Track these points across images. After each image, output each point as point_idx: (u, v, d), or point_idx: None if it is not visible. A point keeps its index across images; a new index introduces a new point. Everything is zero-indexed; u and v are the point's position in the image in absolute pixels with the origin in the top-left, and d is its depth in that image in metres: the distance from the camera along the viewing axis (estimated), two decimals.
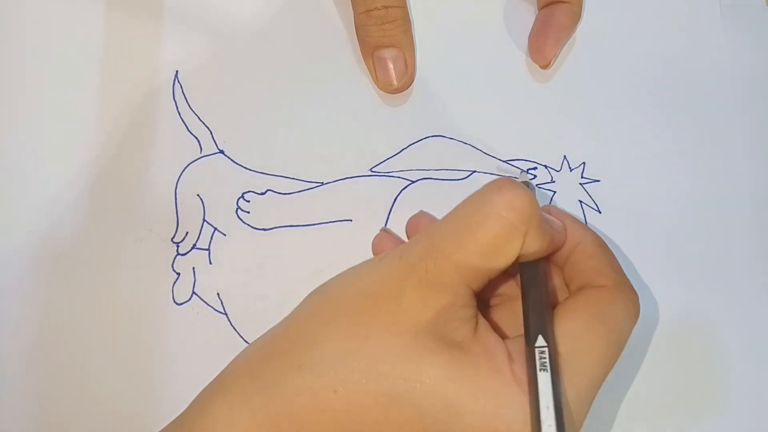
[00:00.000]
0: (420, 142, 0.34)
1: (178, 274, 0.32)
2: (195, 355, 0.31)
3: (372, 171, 0.34)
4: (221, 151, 0.34)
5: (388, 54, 0.34)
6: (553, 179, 0.34)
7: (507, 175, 0.34)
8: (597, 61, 0.36)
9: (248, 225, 0.33)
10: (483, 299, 0.29)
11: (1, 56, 0.34)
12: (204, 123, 0.34)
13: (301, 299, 0.27)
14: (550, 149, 0.34)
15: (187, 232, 0.33)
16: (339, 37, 0.35)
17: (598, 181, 0.34)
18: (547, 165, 0.34)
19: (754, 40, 0.37)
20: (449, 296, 0.24)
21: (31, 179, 0.33)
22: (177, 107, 0.34)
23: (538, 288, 0.25)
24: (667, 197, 0.34)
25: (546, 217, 0.26)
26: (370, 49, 0.34)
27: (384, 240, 0.32)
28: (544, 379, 0.22)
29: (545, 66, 0.35)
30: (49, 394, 0.31)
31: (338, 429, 0.24)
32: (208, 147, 0.34)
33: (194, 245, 0.33)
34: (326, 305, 0.26)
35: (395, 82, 0.34)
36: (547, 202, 0.34)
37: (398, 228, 0.33)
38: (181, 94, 0.34)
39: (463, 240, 0.24)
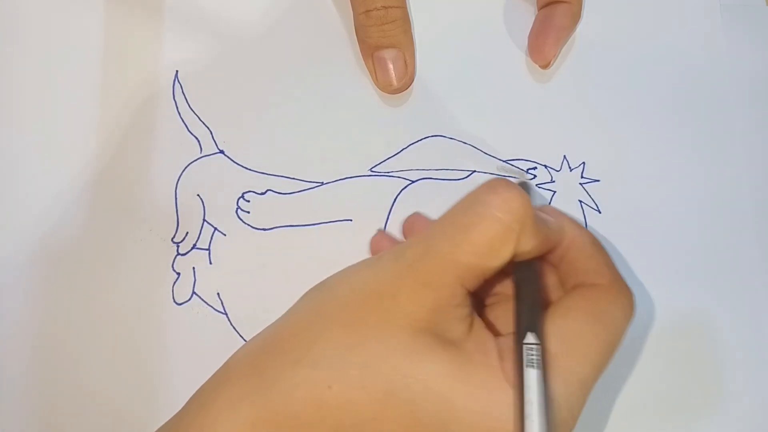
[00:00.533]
0: (420, 142, 0.34)
1: (179, 274, 0.32)
2: (195, 355, 0.31)
3: (372, 171, 0.34)
4: (221, 151, 0.34)
5: (388, 54, 0.34)
6: (553, 179, 0.34)
7: (507, 175, 0.34)
8: (597, 61, 0.36)
9: (248, 225, 0.33)
10: (479, 298, 0.29)
11: (1, 56, 0.34)
12: (204, 123, 0.34)
13: None
14: (549, 149, 0.34)
15: (187, 232, 0.33)
16: (339, 37, 0.35)
17: (598, 181, 0.34)
18: (547, 165, 0.34)
19: (754, 40, 0.37)
20: (445, 295, 0.24)
21: (31, 179, 0.33)
22: (177, 107, 0.34)
23: (530, 286, 0.26)
24: (667, 197, 0.34)
25: (541, 217, 0.26)
26: (369, 49, 0.34)
27: (381, 240, 0.32)
28: (529, 375, 0.23)
29: (545, 66, 0.35)
30: (49, 393, 0.31)
31: (334, 424, 0.24)
32: (208, 147, 0.34)
33: (194, 245, 0.33)
34: (325, 302, 0.26)
35: (395, 83, 0.34)
36: (547, 202, 0.34)
37: (398, 228, 0.33)
38: (181, 94, 0.34)
39: (458, 240, 0.24)
